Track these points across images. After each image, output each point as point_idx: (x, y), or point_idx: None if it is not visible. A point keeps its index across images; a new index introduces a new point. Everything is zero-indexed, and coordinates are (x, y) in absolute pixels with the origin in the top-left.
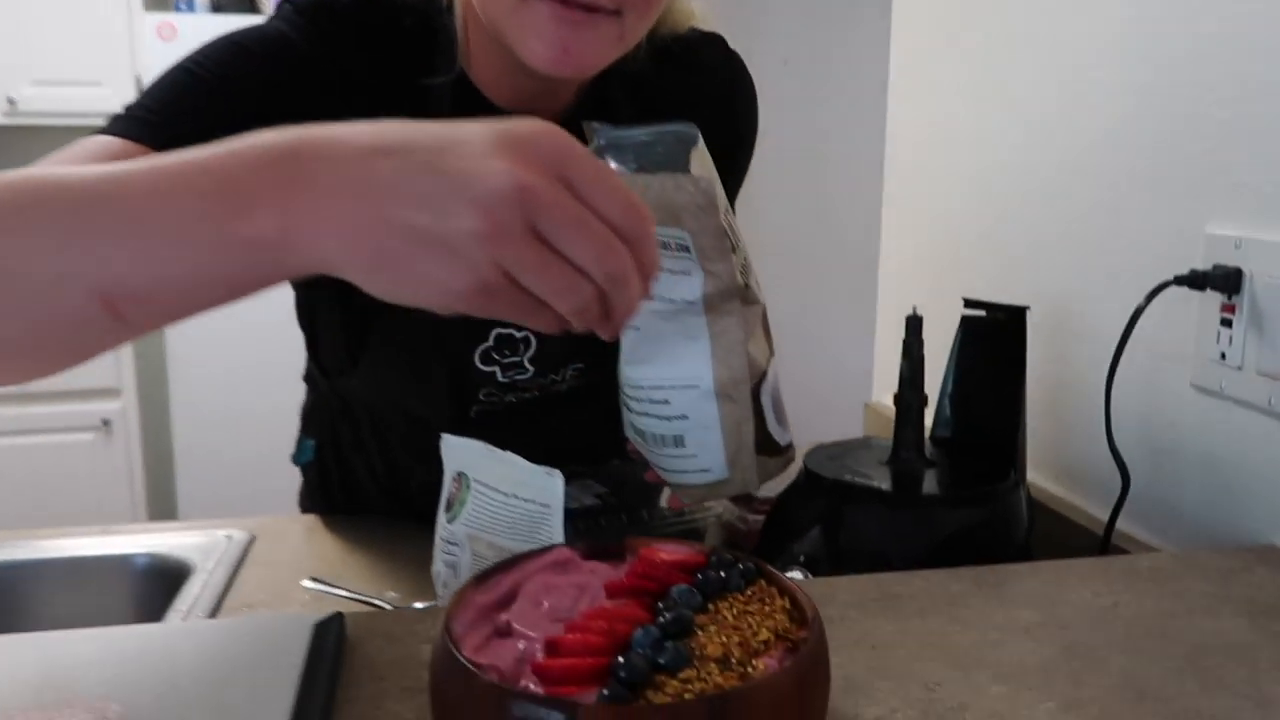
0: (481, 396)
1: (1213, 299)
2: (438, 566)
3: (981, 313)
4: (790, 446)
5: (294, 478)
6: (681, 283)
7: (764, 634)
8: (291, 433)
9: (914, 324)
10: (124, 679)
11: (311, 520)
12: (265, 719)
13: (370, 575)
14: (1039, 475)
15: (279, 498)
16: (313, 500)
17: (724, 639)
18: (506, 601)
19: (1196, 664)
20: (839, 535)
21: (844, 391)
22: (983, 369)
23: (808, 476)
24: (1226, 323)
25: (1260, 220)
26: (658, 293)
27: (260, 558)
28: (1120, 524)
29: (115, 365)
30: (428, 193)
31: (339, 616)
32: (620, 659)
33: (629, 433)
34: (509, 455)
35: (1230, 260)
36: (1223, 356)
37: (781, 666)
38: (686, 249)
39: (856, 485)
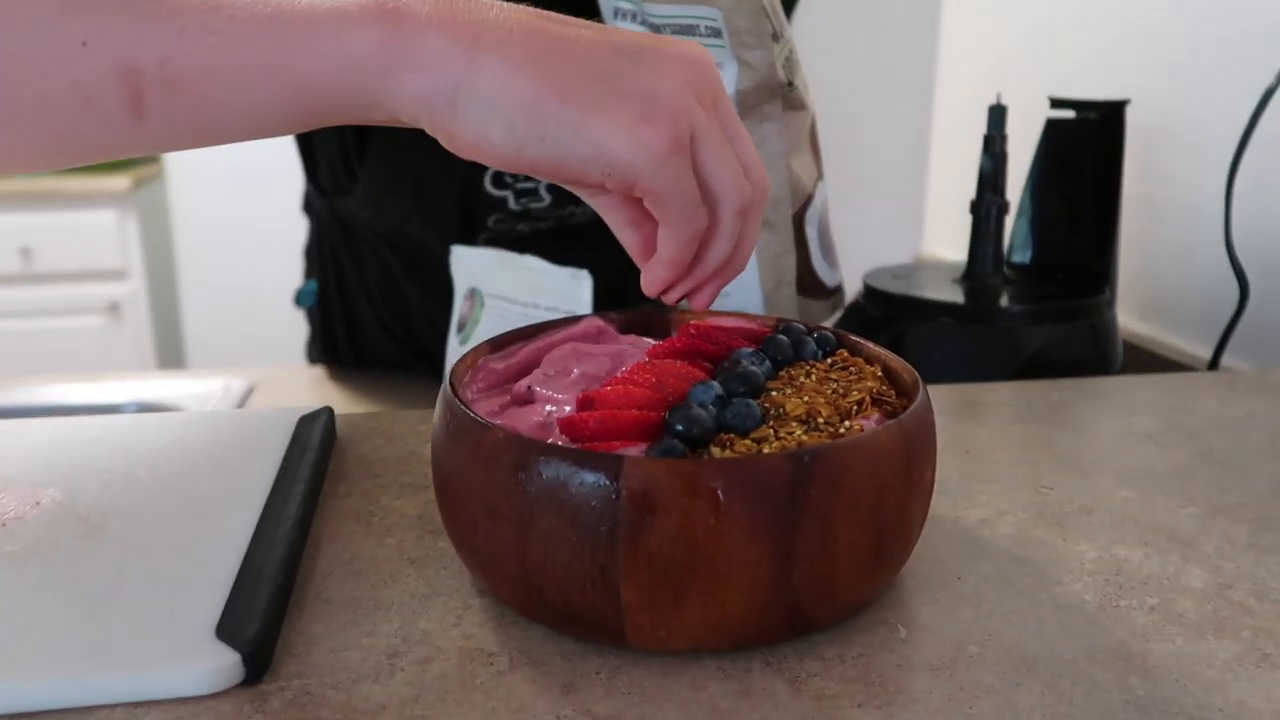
0: (490, 223)
1: None
2: None
3: (1070, 113)
4: (839, 289)
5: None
6: None
7: (856, 394)
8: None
9: (997, 115)
10: (71, 466)
11: (316, 371)
12: (233, 509)
13: None
14: (1120, 312)
15: None
16: (318, 351)
17: (806, 399)
18: (526, 371)
19: None
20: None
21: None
22: (1069, 180)
23: (868, 295)
24: None
25: None
26: None
27: (257, 407)
28: (1224, 359)
29: (122, 246)
30: (620, 44)
31: (327, 410)
32: (676, 410)
33: None
34: (528, 259)
35: None
36: None
37: (883, 426)
38: (718, 33)
39: (927, 300)
